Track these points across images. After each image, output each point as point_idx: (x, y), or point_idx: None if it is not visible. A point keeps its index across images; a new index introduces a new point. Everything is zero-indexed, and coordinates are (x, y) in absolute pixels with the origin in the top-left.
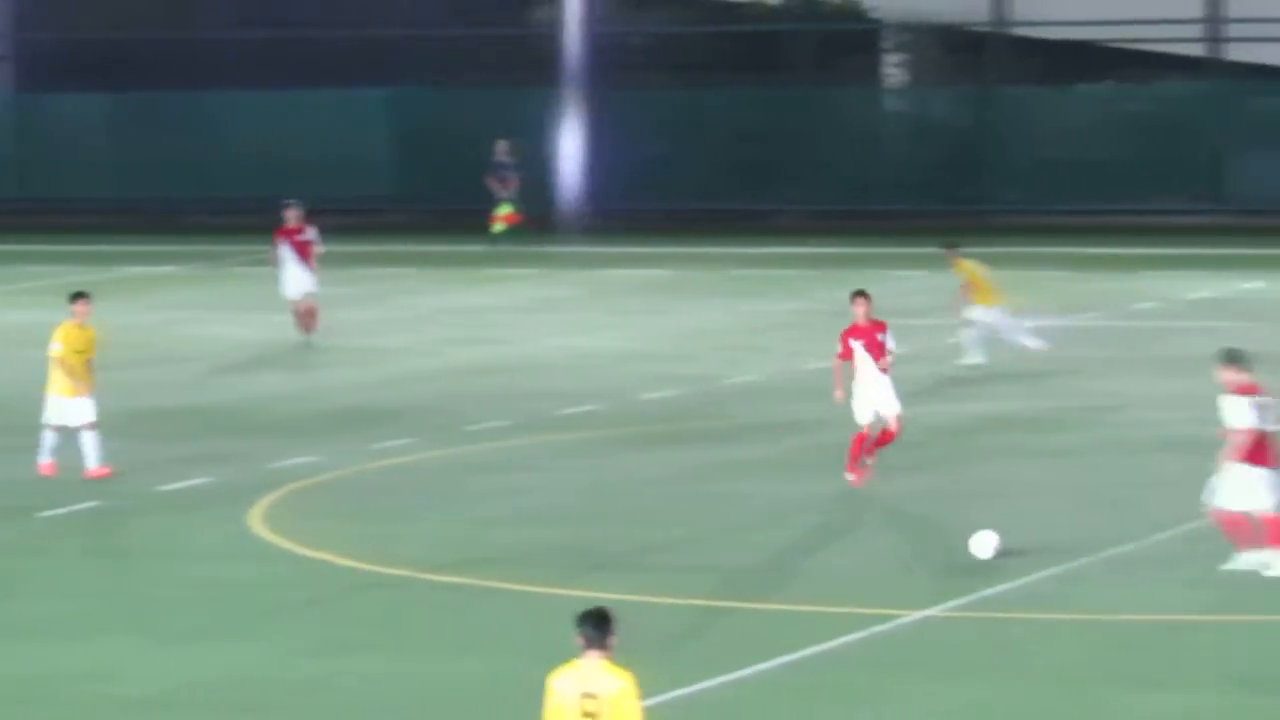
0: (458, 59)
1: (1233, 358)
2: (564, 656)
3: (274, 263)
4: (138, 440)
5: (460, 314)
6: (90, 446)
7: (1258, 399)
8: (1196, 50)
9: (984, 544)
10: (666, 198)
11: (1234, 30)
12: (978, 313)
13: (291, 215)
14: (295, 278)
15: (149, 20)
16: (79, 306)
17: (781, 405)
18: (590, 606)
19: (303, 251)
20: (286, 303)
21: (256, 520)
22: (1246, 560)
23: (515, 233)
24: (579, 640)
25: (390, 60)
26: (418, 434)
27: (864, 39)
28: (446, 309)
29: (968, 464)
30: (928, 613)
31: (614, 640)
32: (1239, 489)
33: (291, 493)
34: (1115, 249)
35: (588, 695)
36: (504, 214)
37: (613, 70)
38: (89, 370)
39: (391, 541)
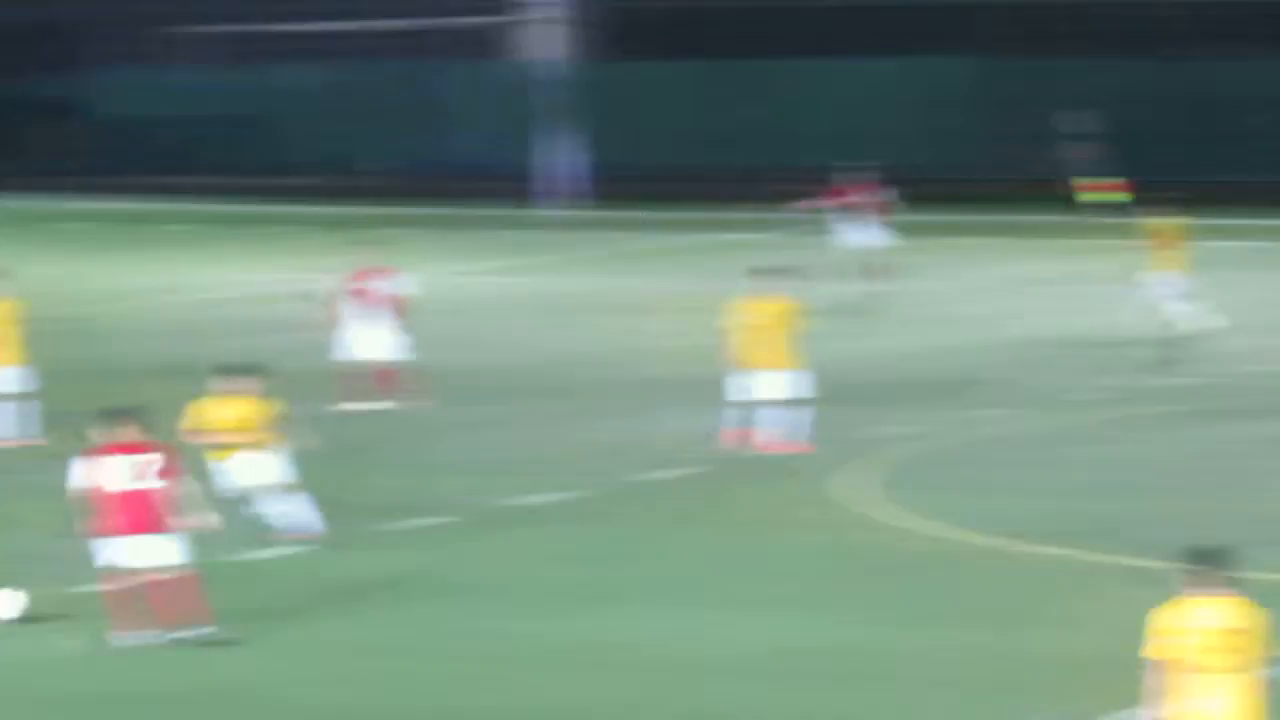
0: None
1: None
2: (1142, 634)
3: (810, 209)
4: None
5: (1036, 284)
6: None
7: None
8: None
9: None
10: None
11: None
12: None
13: (858, 177)
14: (863, 233)
15: None
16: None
17: None
18: (1201, 546)
19: (876, 209)
20: (854, 252)
21: (847, 487)
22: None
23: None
24: (1193, 582)
25: (971, 28)
26: (1005, 404)
27: None
28: (1020, 278)
29: None
30: None
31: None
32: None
33: (881, 460)
34: None
35: (1233, 630)
36: (1093, 183)
37: None
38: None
39: (987, 512)
